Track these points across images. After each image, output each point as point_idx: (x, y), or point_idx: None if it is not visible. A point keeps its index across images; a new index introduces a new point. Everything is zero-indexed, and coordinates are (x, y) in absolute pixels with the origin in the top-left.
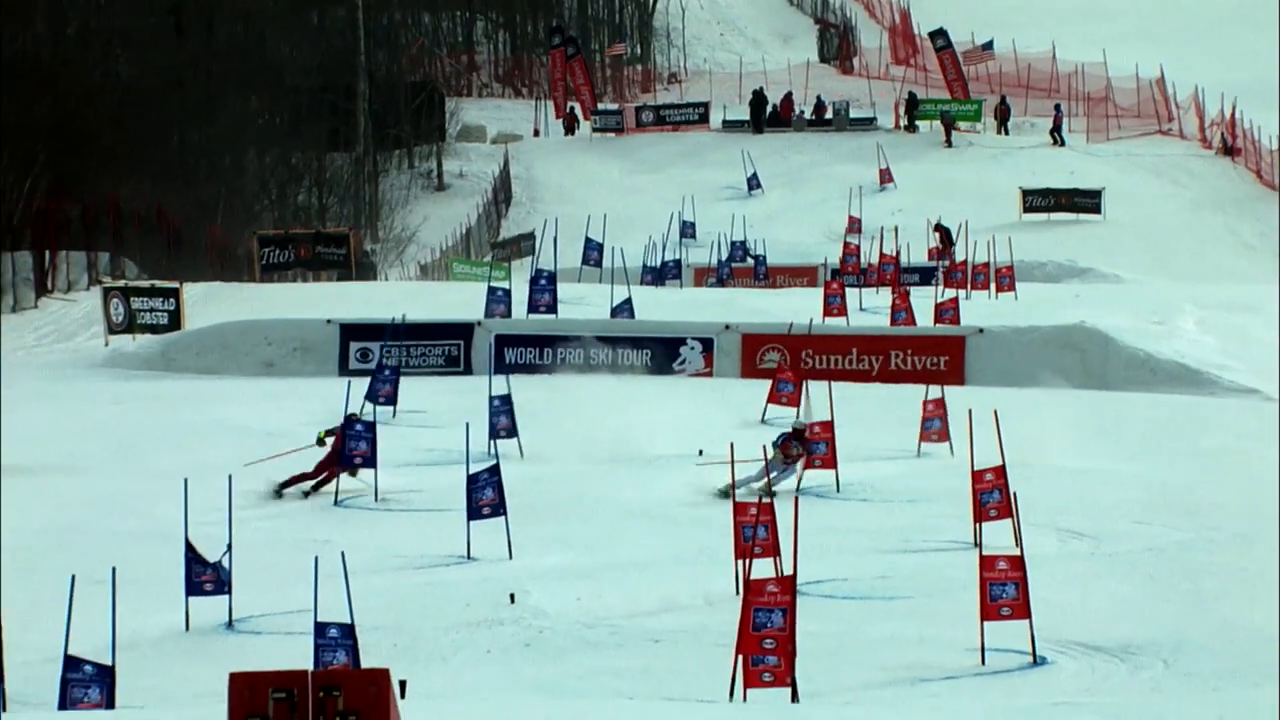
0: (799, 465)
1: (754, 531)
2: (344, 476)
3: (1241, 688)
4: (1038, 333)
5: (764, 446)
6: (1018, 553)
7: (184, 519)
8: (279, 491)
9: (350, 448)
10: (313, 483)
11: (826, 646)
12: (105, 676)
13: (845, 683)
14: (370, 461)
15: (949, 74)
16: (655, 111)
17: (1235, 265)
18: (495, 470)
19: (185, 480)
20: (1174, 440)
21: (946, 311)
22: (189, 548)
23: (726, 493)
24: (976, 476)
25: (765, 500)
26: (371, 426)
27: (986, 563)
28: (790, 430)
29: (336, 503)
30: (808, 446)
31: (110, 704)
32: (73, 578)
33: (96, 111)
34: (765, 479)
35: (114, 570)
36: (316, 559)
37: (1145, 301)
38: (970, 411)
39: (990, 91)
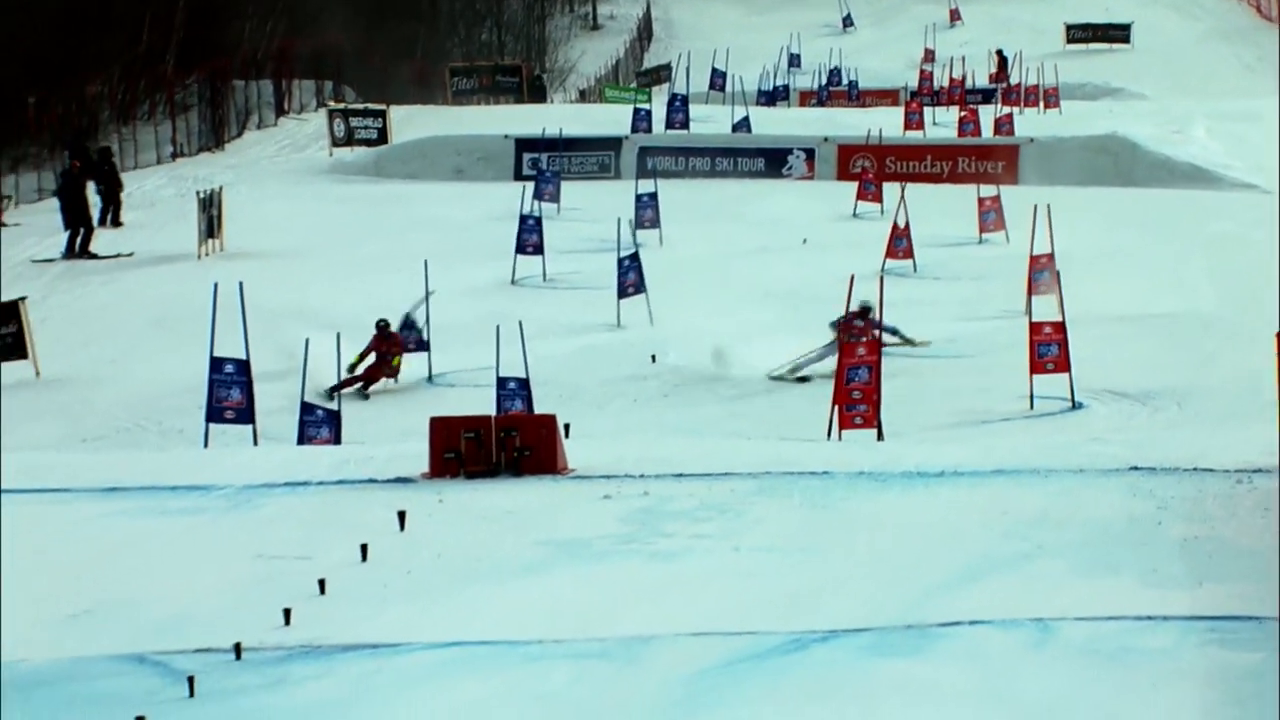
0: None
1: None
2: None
3: (1240, 424)
4: (1077, 141)
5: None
6: (1060, 319)
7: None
8: (331, 394)
9: (525, 241)
10: (361, 385)
11: (905, 396)
12: (333, 419)
13: (920, 425)
14: (540, 249)
15: None
16: None
17: (1239, 83)
18: (637, 256)
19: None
20: (1187, 226)
21: (1003, 125)
22: (405, 320)
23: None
24: (1035, 328)
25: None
26: (539, 221)
27: (1035, 328)
28: (858, 309)
29: (514, 282)
30: (871, 323)
31: (337, 440)
32: (306, 341)
33: None
34: (814, 360)
35: (338, 335)
36: (498, 327)
37: (1165, 114)
38: (1035, 208)
39: None
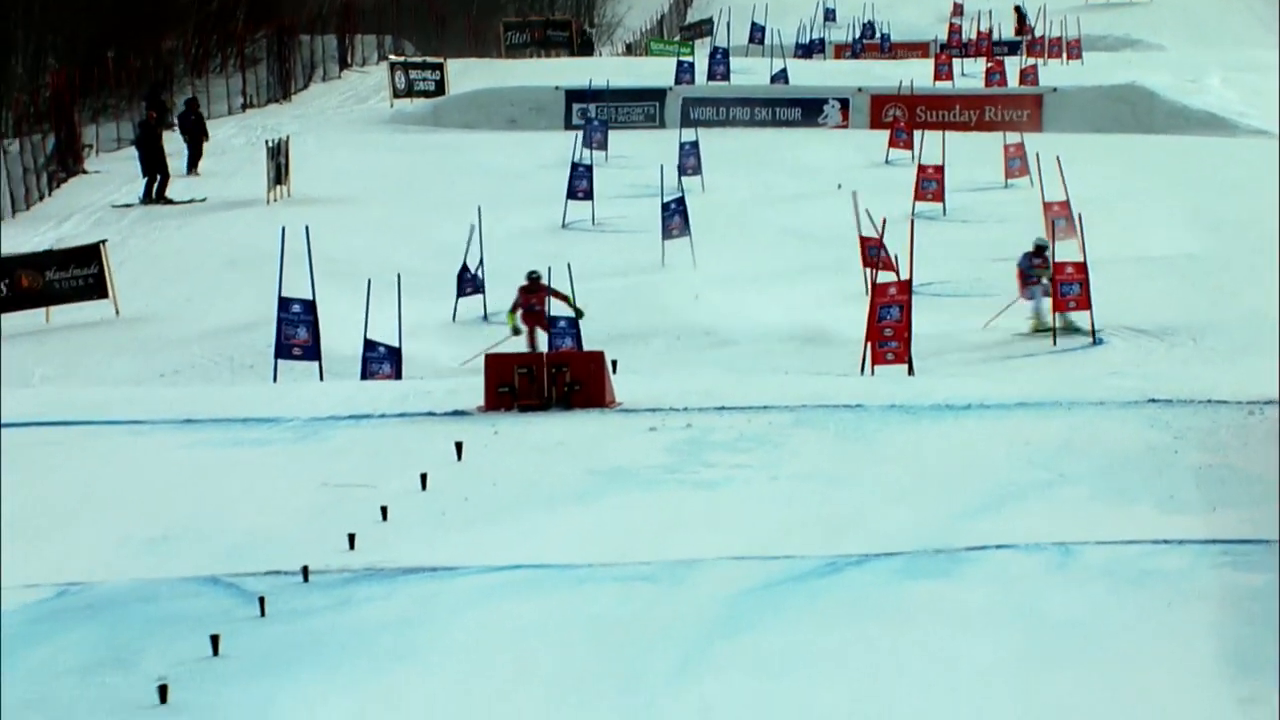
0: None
1: (878, 251)
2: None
3: (1252, 359)
4: (1098, 90)
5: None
6: (1082, 259)
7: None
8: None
9: (575, 186)
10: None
11: (934, 333)
12: (394, 355)
13: (949, 361)
14: (589, 195)
15: None
16: None
17: (1252, 35)
18: (682, 200)
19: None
20: (1202, 171)
21: (1028, 75)
22: (464, 268)
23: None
24: (1058, 268)
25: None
26: (589, 168)
27: (1058, 268)
28: (1034, 248)
29: (564, 226)
30: (1046, 260)
31: (398, 375)
32: (369, 281)
33: None
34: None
35: (399, 276)
36: (549, 268)
37: (1182, 65)
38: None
39: None
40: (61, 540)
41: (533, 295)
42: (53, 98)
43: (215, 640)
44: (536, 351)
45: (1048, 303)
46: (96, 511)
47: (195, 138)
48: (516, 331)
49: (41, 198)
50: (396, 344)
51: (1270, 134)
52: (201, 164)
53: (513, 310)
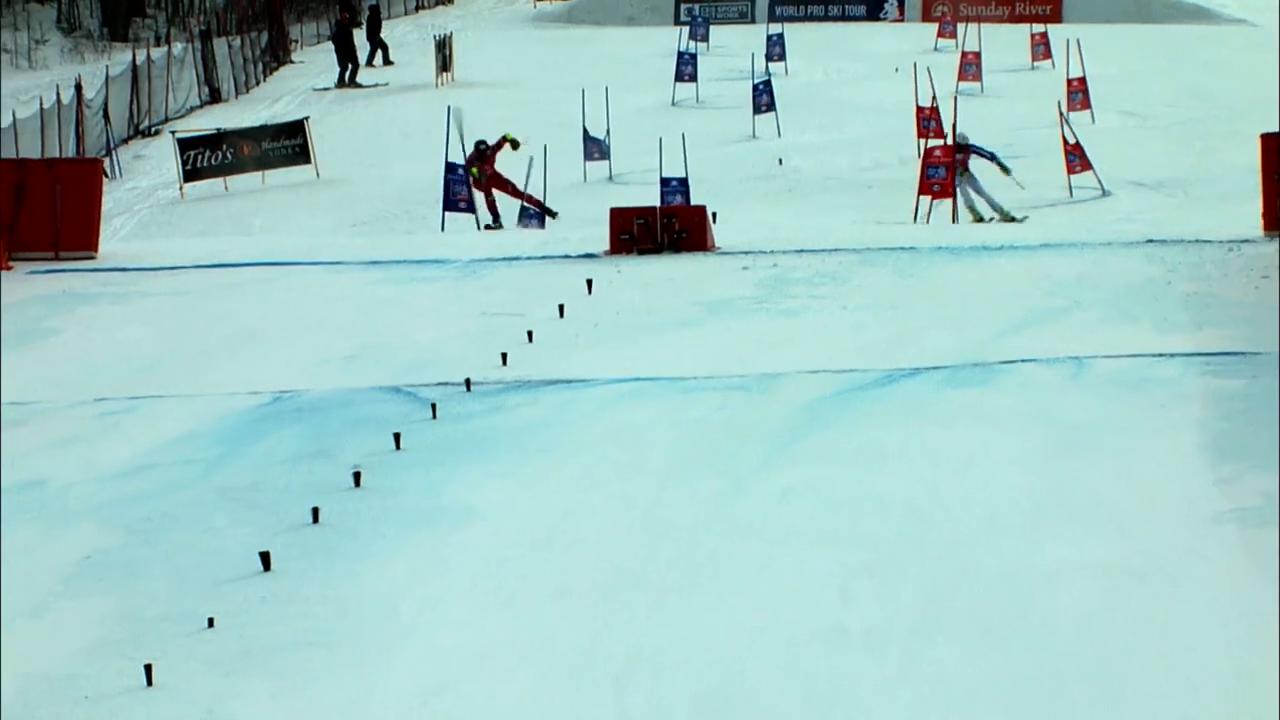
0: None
1: (930, 123)
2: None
3: (1232, 206)
4: None
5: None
6: (1076, 140)
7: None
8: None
9: (682, 71)
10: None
11: None
12: (540, 214)
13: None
14: (694, 78)
15: None
16: None
17: None
18: (768, 83)
19: (584, 91)
20: (1192, 52)
21: None
22: (586, 133)
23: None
24: (927, 153)
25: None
26: (694, 56)
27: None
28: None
29: (673, 103)
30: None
31: (542, 226)
32: (530, 159)
33: None
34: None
35: (544, 146)
36: (661, 138)
37: None
38: (1078, 42)
39: None
40: (276, 356)
41: (484, 163)
42: (267, 2)
43: (397, 437)
44: (493, 212)
45: (975, 195)
46: (303, 334)
47: (376, 37)
48: (515, 145)
49: (258, 83)
50: (542, 199)
51: (1247, 22)
52: (377, 57)
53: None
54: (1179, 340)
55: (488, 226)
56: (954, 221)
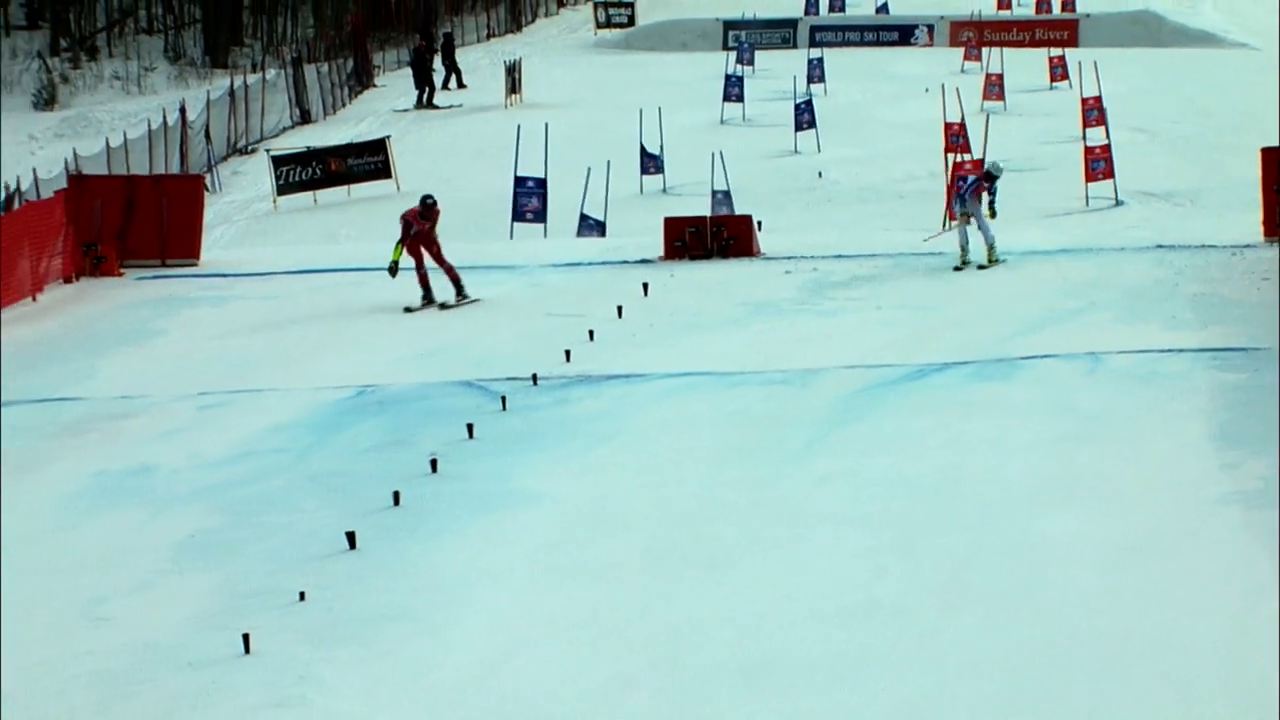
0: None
1: (958, 139)
2: None
3: (1235, 214)
4: (1120, 15)
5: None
6: (1106, 142)
7: (639, 132)
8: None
9: (730, 92)
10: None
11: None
12: (600, 225)
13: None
14: (740, 98)
15: None
16: None
17: None
18: (809, 103)
19: (640, 111)
20: (1198, 74)
21: (1068, 4)
22: (643, 149)
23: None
24: (1088, 151)
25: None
26: (740, 79)
27: (1088, 150)
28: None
29: (722, 122)
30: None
31: (602, 234)
32: (588, 169)
33: None
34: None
35: (608, 162)
36: (711, 154)
37: None
38: (1095, 63)
39: None
40: (360, 354)
41: (425, 221)
42: (352, 32)
43: (470, 427)
44: (424, 275)
45: (971, 235)
46: (384, 333)
47: (450, 62)
48: (394, 271)
49: (344, 105)
50: (602, 214)
51: (1249, 46)
52: (452, 81)
53: (400, 242)
54: (1186, 337)
55: (410, 309)
56: (943, 229)
